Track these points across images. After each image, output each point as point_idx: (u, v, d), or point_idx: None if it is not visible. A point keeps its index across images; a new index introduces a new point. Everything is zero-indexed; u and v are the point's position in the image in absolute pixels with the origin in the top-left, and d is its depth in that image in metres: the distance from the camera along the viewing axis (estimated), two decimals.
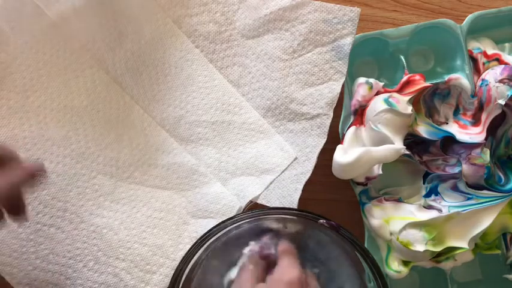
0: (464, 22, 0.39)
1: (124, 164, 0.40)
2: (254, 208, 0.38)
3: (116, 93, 0.40)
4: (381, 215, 0.38)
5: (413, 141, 0.39)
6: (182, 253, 0.38)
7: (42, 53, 0.38)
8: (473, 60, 0.39)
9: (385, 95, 0.38)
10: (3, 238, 0.36)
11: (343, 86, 0.39)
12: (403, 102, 0.37)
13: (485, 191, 0.37)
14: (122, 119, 0.40)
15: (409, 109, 0.37)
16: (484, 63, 0.39)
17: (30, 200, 0.37)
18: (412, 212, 0.37)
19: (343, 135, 0.38)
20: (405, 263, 0.38)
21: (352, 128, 0.38)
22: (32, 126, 0.38)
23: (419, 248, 0.36)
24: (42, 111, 0.38)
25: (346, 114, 0.39)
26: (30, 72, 0.38)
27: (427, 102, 0.40)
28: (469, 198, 0.37)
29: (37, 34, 0.37)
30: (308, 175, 0.39)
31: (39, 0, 0.37)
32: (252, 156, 0.40)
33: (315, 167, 0.39)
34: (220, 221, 0.35)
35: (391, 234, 0.37)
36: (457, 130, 0.38)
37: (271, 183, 0.40)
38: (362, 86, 0.38)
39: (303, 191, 0.39)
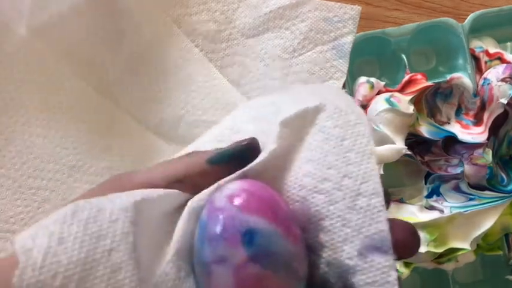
0: (466, 21, 0.39)
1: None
2: None
3: (100, 101, 0.38)
4: None
5: (414, 141, 0.39)
6: None
7: (17, 71, 0.37)
8: (475, 59, 0.39)
9: (387, 95, 0.38)
10: None
11: (344, 85, 0.39)
12: (404, 102, 0.37)
13: (487, 192, 0.37)
14: (111, 126, 0.39)
15: (410, 109, 0.37)
16: (486, 62, 0.39)
17: (26, 221, 0.36)
18: (413, 212, 0.37)
19: None
20: (406, 264, 0.37)
21: None
22: (18, 146, 0.36)
23: (421, 249, 0.36)
24: (27, 130, 0.37)
25: None
26: (9, 92, 0.36)
27: (429, 102, 0.40)
28: (471, 199, 0.37)
29: (10, 52, 0.36)
30: None
31: (8, 17, 0.36)
32: None
33: None
34: None
35: None
36: (459, 130, 0.38)
37: None
38: (363, 86, 0.38)
39: None
